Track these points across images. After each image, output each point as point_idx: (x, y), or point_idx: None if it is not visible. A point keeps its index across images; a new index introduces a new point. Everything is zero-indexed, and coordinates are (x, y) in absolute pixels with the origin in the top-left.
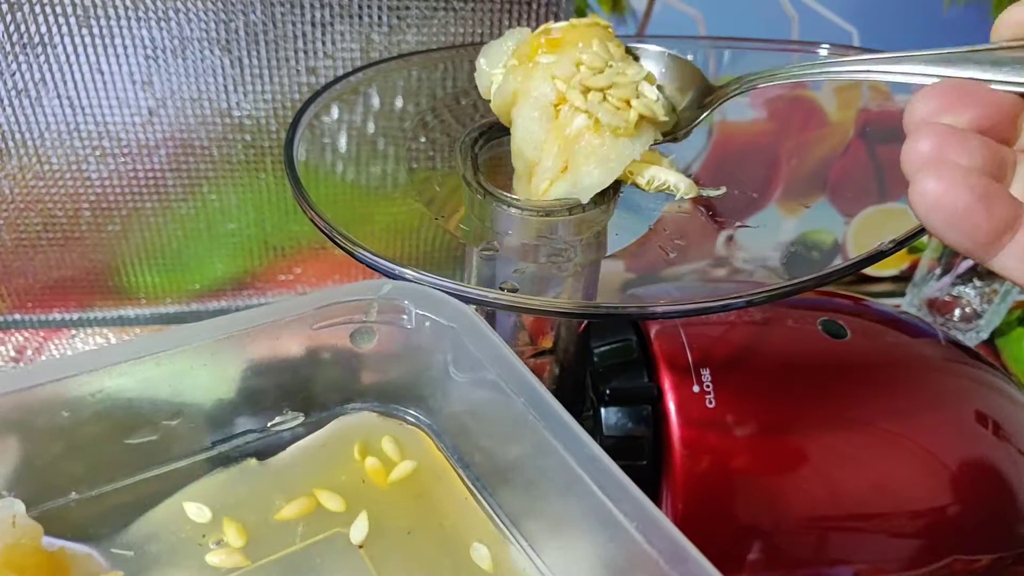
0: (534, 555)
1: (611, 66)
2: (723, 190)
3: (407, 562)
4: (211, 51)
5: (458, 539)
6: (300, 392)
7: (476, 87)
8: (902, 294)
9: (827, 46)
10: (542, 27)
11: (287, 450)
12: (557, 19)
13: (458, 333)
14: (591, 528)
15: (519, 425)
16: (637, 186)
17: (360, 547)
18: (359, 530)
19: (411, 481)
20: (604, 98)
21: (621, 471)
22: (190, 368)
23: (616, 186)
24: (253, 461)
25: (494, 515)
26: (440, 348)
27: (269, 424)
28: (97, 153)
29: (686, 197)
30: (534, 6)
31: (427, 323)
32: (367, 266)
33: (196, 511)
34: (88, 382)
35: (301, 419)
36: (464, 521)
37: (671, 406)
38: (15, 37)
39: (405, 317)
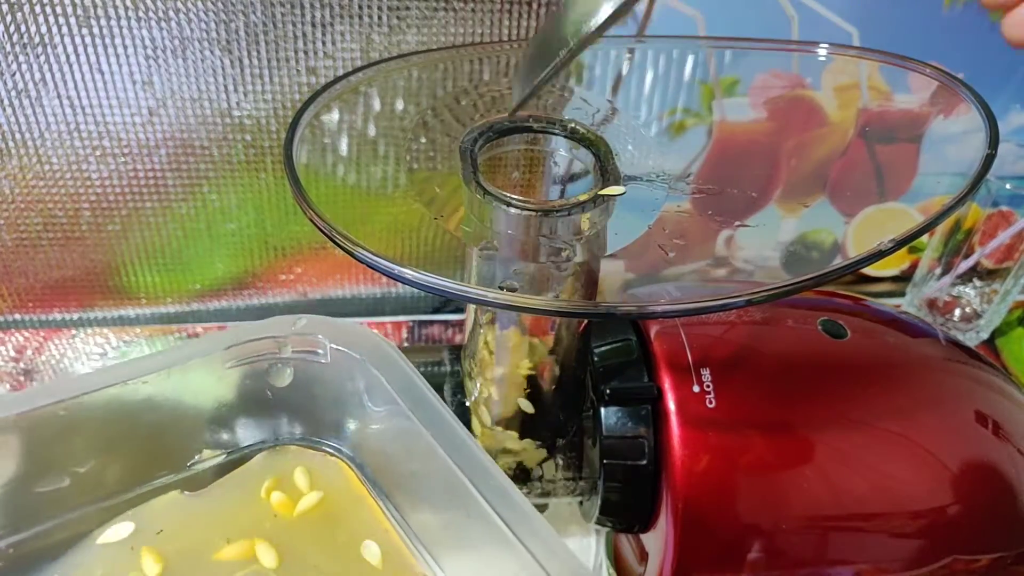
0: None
1: None
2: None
3: None
4: (211, 51)
5: (367, 566)
6: (219, 430)
7: (476, 87)
8: (902, 294)
9: (827, 46)
10: None
11: (208, 488)
12: None
13: (371, 365)
14: (494, 555)
15: (428, 456)
16: None
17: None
18: (268, 560)
19: (320, 511)
20: None
21: (525, 501)
22: (102, 414)
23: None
24: (176, 493)
25: (408, 542)
26: (355, 380)
27: (188, 464)
28: (97, 153)
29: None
30: (534, 6)
31: (341, 356)
32: (367, 266)
33: (116, 543)
34: None
35: (223, 457)
36: (379, 546)
37: (671, 406)
38: (15, 37)
39: (320, 352)
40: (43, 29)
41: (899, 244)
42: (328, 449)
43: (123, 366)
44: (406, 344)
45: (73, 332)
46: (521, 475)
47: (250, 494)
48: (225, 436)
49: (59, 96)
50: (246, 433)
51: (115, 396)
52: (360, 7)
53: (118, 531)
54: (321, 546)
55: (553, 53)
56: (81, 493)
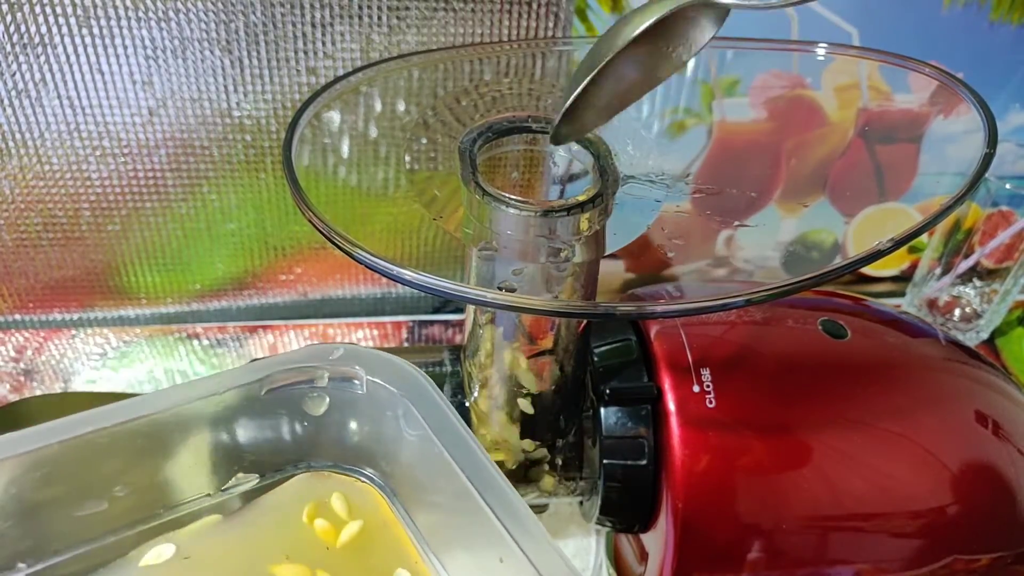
0: None
1: None
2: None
3: None
4: (211, 51)
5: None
6: (254, 455)
7: (476, 87)
8: (902, 294)
9: (827, 46)
10: None
11: (242, 510)
12: (557, 20)
13: (407, 399)
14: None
15: (460, 495)
16: None
17: None
18: None
19: (360, 540)
20: None
21: (552, 542)
22: (141, 442)
23: (615, 185)
24: (215, 516)
25: (437, 572)
26: (391, 409)
27: (223, 488)
28: (97, 153)
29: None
30: (534, 6)
31: (378, 387)
32: (366, 267)
33: (159, 564)
34: (31, 458)
35: (255, 481)
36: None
37: (671, 406)
38: (15, 37)
39: (356, 382)
40: (43, 29)
41: (898, 244)
42: (360, 476)
43: (161, 395)
44: (406, 344)
45: (73, 332)
46: (521, 475)
47: (287, 519)
48: (259, 461)
49: (59, 96)
50: (280, 459)
51: (154, 421)
52: (360, 7)
53: (159, 553)
54: (356, 573)
55: (591, 67)
56: (117, 517)
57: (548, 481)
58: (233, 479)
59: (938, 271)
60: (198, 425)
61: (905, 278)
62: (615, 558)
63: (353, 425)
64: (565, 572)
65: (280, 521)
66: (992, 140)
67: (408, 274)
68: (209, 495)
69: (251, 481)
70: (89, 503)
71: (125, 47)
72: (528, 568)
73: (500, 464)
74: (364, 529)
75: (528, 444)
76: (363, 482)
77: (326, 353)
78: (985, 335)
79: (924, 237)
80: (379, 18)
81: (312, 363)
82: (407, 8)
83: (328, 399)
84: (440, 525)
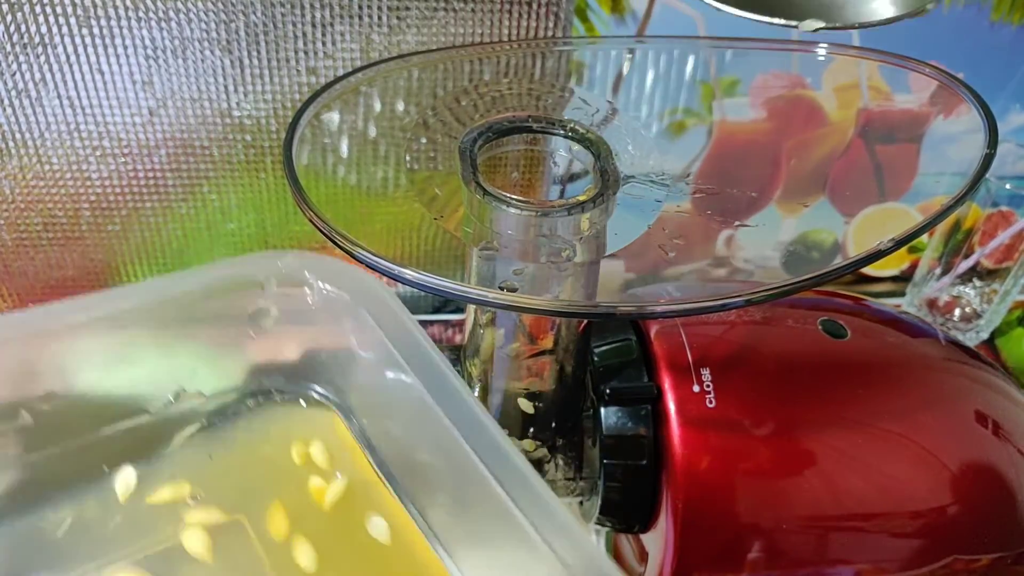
0: (436, 543)
1: None
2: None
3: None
4: (211, 51)
5: (356, 515)
6: (200, 370)
7: (476, 87)
8: (902, 294)
9: (827, 46)
10: None
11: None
12: (557, 20)
13: (362, 308)
14: (486, 514)
15: (420, 409)
16: None
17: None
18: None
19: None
20: None
21: (521, 458)
22: (81, 348)
23: (615, 185)
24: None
25: (396, 498)
26: (344, 323)
27: (170, 400)
28: (97, 153)
29: None
30: (534, 6)
31: (330, 297)
32: (367, 266)
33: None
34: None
35: (205, 398)
36: (365, 500)
37: (671, 406)
38: (15, 37)
39: (307, 291)
40: (43, 29)
41: (899, 244)
42: (316, 396)
43: (104, 299)
44: None
45: None
46: None
47: (271, 455)
48: (209, 378)
49: (59, 96)
50: (231, 376)
51: (108, 327)
52: (360, 7)
53: (130, 480)
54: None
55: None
56: (56, 432)
57: (548, 481)
58: (175, 396)
59: (938, 271)
60: (144, 336)
61: (905, 278)
62: (615, 558)
63: (305, 340)
64: (534, 481)
65: (265, 457)
66: (992, 140)
67: (409, 273)
68: (150, 413)
69: (200, 398)
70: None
71: (125, 47)
72: (495, 486)
73: None
74: (326, 455)
75: (528, 444)
76: (318, 402)
77: (273, 260)
78: (985, 335)
79: (924, 237)
80: (379, 18)
81: (257, 271)
82: (407, 8)
83: (277, 311)
84: (402, 448)
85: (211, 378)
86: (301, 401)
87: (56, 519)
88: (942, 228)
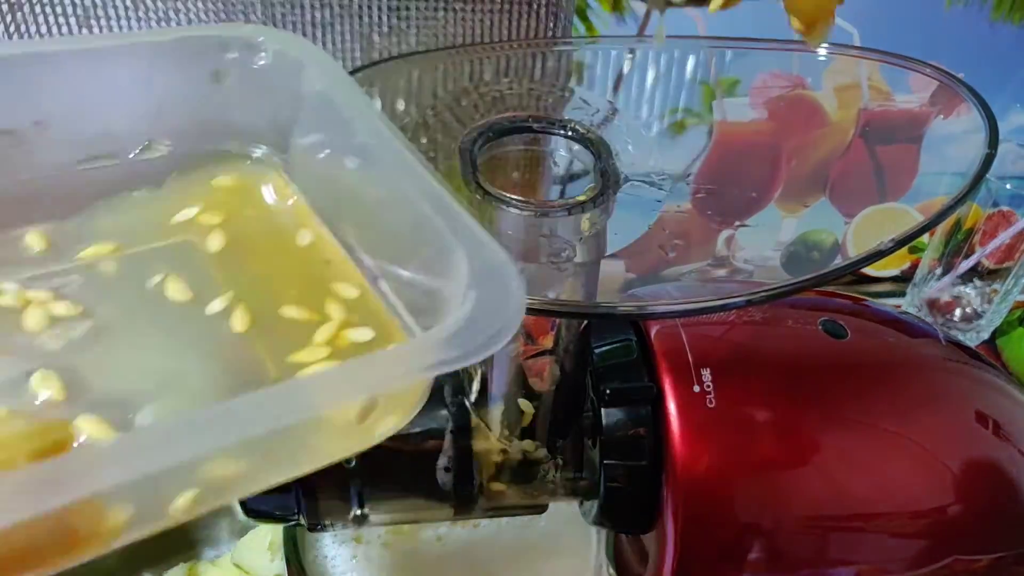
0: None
1: None
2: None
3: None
4: None
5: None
6: (161, 124)
7: (476, 87)
8: (902, 294)
9: (827, 46)
10: None
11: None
12: (557, 20)
13: (316, 77)
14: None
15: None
16: None
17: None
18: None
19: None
20: None
21: (461, 204)
22: (50, 80)
23: (616, 185)
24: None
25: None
26: (296, 89)
27: (130, 155)
28: None
29: None
30: (534, 6)
31: (287, 62)
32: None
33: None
34: None
35: (165, 151)
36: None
37: (671, 406)
38: (15, 37)
39: (263, 54)
40: (43, 29)
41: (899, 244)
42: (259, 155)
43: (82, 38)
44: None
45: None
46: (521, 475)
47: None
48: (165, 133)
49: None
50: (187, 133)
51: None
52: (360, 7)
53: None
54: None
55: None
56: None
57: (548, 481)
58: (140, 147)
59: (938, 271)
60: (111, 83)
61: (905, 278)
62: (615, 558)
63: (260, 103)
64: (470, 226)
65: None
66: (993, 140)
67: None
68: (117, 161)
69: (160, 151)
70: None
71: None
72: (448, 236)
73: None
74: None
75: (528, 444)
76: (264, 162)
77: (239, 26)
78: (985, 335)
79: (924, 237)
80: (379, 18)
81: (224, 32)
82: (407, 9)
83: (235, 72)
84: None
85: (176, 130)
86: (249, 161)
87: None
88: (943, 228)
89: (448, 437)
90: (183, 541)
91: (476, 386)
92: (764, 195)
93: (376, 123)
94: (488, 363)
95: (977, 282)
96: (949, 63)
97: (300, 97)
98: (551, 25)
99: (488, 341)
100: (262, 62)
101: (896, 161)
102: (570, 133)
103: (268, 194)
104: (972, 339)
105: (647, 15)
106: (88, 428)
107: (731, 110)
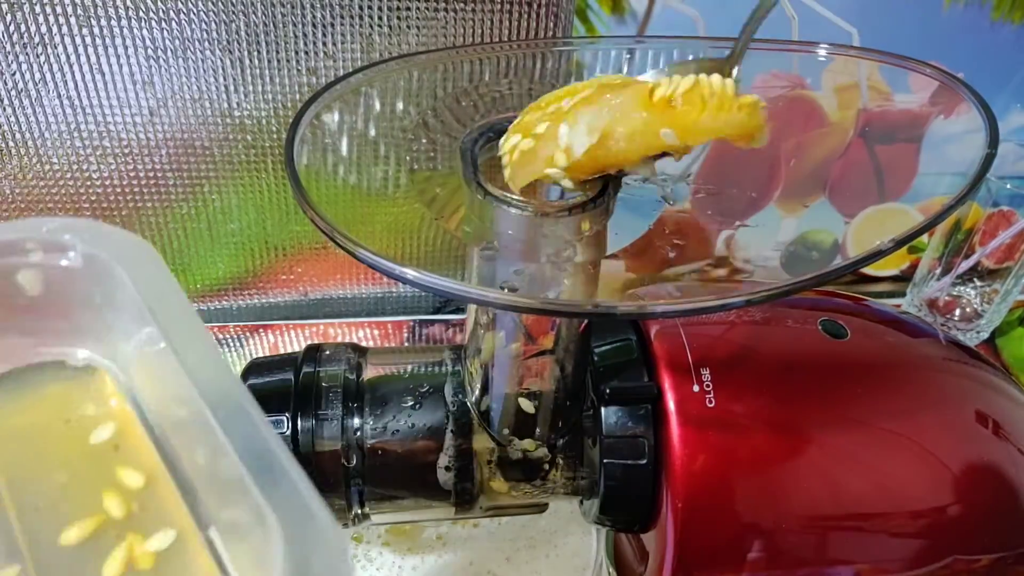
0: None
1: None
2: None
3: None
4: (212, 51)
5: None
6: None
7: (476, 87)
8: (902, 294)
9: (827, 46)
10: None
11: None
12: (557, 20)
13: (124, 271)
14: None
15: (173, 368)
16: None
17: None
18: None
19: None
20: None
21: (261, 427)
22: None
23: (616, 185)
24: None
25: (159, 458)
26: (107, 286)
27: None
28: (98, 153)
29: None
30: (534, 6)
31: (97, 261)
32: (368, 266)
33: None
34: None
35: None
36: (131, 456)
37: (671, 406)
38: (15, 37)
39: (72, 255)
40: (43, 29)
41: (899, 244)
42: (82, 357)
43: None
44: (407, 343)
45: None
46: (521, 474)
47: (41, 421)
48: None
49: (59, 96)
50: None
51: None
52: (361, 8)
53: None
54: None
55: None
56: None
57: (548, 481)
58: None
59: (938, 271)
60: None
61: (905, 278)
62: (615, 558)
63: (73, 306)
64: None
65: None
66: (993, 140)
67: (410, 273)
68: None
69: None
70: None
71: (125, 47)
72: (231, 450)
73: (498, 464)
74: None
75: (528, 443)
76: (88, 365)
77: (39, 226)
78: (985, 335)
79: (924, 237)
80: (380, 18)
81: (22, 234)
82: (408, 9)
83: (45, 275)
84: (160, 401)
85: None
86: (68, 363)
87: None
88: (943, 228)
89: (448, 436)
90: None
91: (477, 385)
92: (764, 195)
93: (194, 331)
94: (488, 363)
95: (977, 282)
96: (949, 63)
97: (114, 295)
98: (551, 25)
99: None
100: (67, 263)
101: (896, 161)
102: None
103: (88, 402)
104: (972, 339)
105: (647, 15)
106: None
107: None
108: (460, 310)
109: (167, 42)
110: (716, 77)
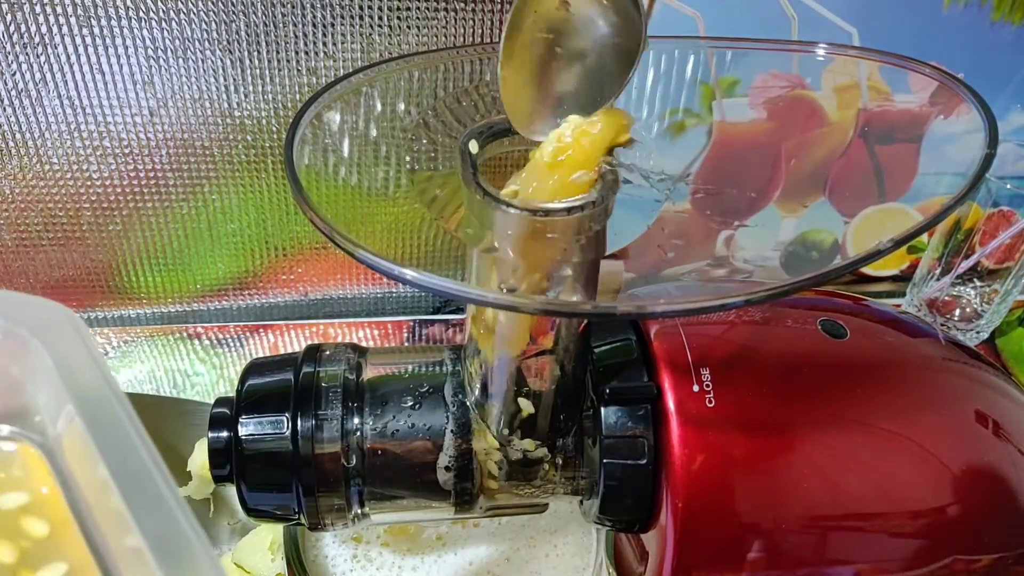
0: None
1: None
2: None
3: None
4: (212, 52)
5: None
6: None
7: (477, 87)
8: (902, 294)
9: (827, 46)
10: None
11: None
12: None
13: (41, 343)
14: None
15: (95, 452)
16: None
17: None
18: None
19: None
20: None
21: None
22: None
23: (616, 185)
24: None
25: (83, 537)
26: (25, 360)
27: None
28: (98, 153)
29: None
30: None
31: (11, 333)
32: (368, 266)
33: None
34: None
35: None
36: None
37: (671, 406)
38: (15, 37)
39: None
40: (43, 29)
41: (898, 244)
42: (7, 434)
43: None
44: (407, 343)
45: None
46: (521, 474)
47: None
48: None
49: (59, 96)
50: None
51: None
52: (361, 8)
53: None
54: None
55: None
56: None
57: (548, 481)
58: None
59: (938, 271)
60: None
61: (905, 278)
62: (615, 557)
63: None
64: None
65: None
66: (993, 140)
67: (409, 273)
68: None
69: None
70: None
71: (126, 47)
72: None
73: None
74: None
75: (528, 444)
76: (15, 442)
77: None
78: (985, 335)
79: (924, 237)
80: (380, 19)
81: None
82: (408, 9)
83: None
84: (87, 480)
85: None
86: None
87: None
88: (942, 228)
89: (448, 436)
90: None
91: (477, 385)
92: (764, 195)
93: (110, 403)
94: (488, 362)
95: (977, 282)
96: (949, 63)
97: (33, 370)
98: None
99: None
100: None
101: (896, 161)
102: None
103: (11, 483)
104: (972, 339)
105: (647, 15)
106: None
107: (730, 110)
108: (460, 310)
109: (167, 42)
110: (571, 118)
